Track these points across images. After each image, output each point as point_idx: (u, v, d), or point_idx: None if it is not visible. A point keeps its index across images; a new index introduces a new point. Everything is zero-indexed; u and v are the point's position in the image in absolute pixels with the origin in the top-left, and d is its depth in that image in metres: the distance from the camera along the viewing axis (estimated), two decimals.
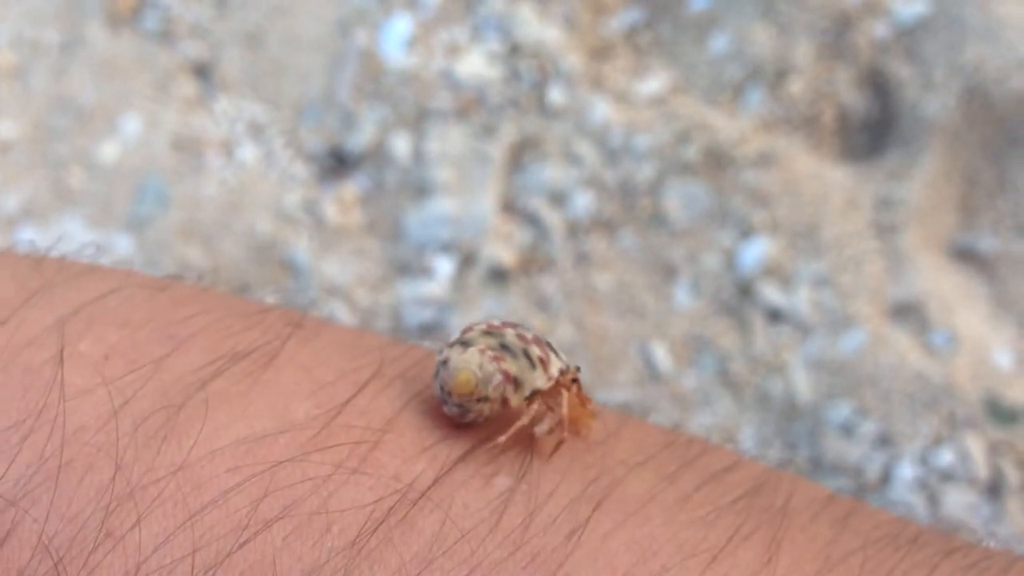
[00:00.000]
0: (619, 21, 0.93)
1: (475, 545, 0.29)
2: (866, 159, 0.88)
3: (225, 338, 0.32)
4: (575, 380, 0.33)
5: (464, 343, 0.32)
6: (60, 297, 0.32)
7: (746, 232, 0.85)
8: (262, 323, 0.33)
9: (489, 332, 0.33)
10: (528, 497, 0.30)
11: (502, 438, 0.31)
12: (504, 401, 0.32)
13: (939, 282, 0.84)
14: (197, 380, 0.30)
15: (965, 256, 0.85)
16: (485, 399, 0.32)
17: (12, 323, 0.31)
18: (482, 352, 0.32)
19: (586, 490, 0.31)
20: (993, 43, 0.86)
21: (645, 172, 0.87)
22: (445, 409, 0.32)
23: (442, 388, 0.32)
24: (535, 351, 0.33)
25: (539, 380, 0.32)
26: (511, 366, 0.32)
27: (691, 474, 0.33)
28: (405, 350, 0.35)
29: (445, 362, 0.32)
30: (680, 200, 0.86)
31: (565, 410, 0.32)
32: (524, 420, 0.32)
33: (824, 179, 0.86)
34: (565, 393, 0.33)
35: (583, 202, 0.86)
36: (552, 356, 0.33)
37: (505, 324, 0.33)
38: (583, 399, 0.33)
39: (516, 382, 0.32)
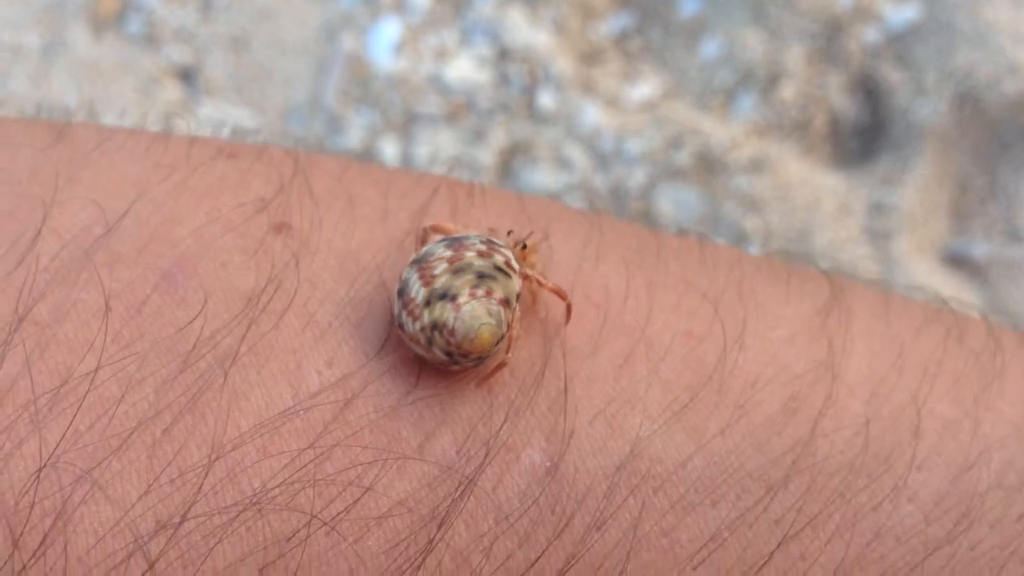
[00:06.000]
0: (609, 26, 0.93)
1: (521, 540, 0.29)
2: (858, 165, 0.88)
3: (226, 276, 0.30)
4: (524, 247, 0.32)
5: (445, 296, 0.30)
6: (52, 228, 0.31)
7: (739, 238, 0.84)
8: (259, 241, 0.31)
9: (457, 269, 0.31)
10: (563, 485, 0.29)
11: (482, 382, 0.31)
12: (508, 325, 0.31)
13: (932, 288, 0.83)
14: (207, 338, 0.29)
15: (958, 262, 0.85)
16: (500, 338, 0.30)
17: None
18: (476, 297, 0.30)
19: (618, 473, 0.30)
20: (984, 48, 0.86)
21: (637, 177, 0.86)
22: (454, 368, 0.30)
23: (451, 354, 0.30)
24: (499, 259, 0.31)
25: (516, 284, 0.31)
26: (498, 291, 0.31)
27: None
28: (414, 209, 0.33)
29: (441, 327, 0.30)
30: (672, 205, 0.85)
31: (550, 284, 0.32)
32: (500, 355, 0.31)
33: (816, 185, 0.86)
34: (531, 274, 0.32)
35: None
36: (505, 250, 0.32)
37: (453, 243, 0.31)
38: (528, 257, 0.32)
39: (507, 303, 0.31)
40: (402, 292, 0.30)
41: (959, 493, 0.32)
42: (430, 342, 0.30)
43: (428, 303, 0.30)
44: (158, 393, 0.28)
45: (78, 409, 0.27)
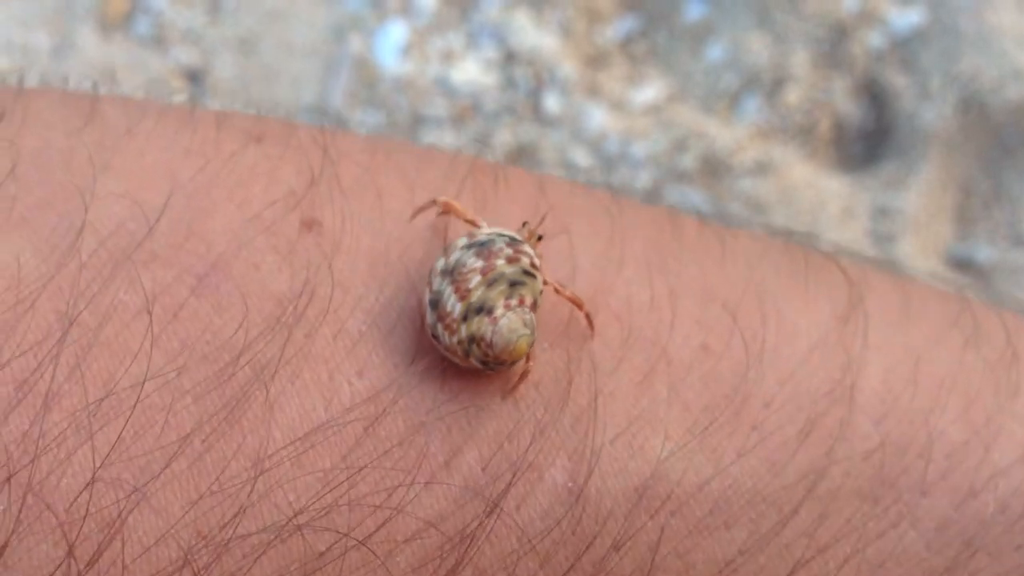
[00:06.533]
0: (614, 30, 0.93)
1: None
2: (862, 168, 0.88)
3: (260, 279, 0.30)
4: (540, 238, 0.32)
5: (482, 309, 0.30)
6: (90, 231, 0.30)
7: None
8: (291, 240, 0.31)
9: (491, 281, 0.31)
10: (585, 504, 0.29)
11: (508, 395, 0.31)
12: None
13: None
14: (245, 347, 0.29)
15: (962, 266, 0.85)
16: (533, 343, 0.31)
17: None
18: (510, 308, 0.31)
19: (642, 500, 0.30)
20: (988, 53, 0.87)
21: (642, 180, 0.86)
22: (487, 372, 0.31)
23: (487, 362, 0.30)
24: (526, 261, 0.32)
25: (539, 282, 0.32)
26: (528, 296, 0.31)
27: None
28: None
29: (479, 340, 0.30)
30: (677, 207, 0.86)
31: (568, 292, 0.32)
32: (522, 364, 0.31)
33: (820, 188, 0.86)
34: (550, 281, 0.32)
35: None
36: (526, 247, 0.32)
37: (482, 250, 0.31)
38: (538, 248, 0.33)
39: (535, 304, 0.31)
40: (436, 304, 0.31)
41: (963, 520, 0.31)
42: (467, 353, 0.30)
43: (465, 317, 0.30)
44: (198, 403, 0.28)
45: (128, 419, 0.27)
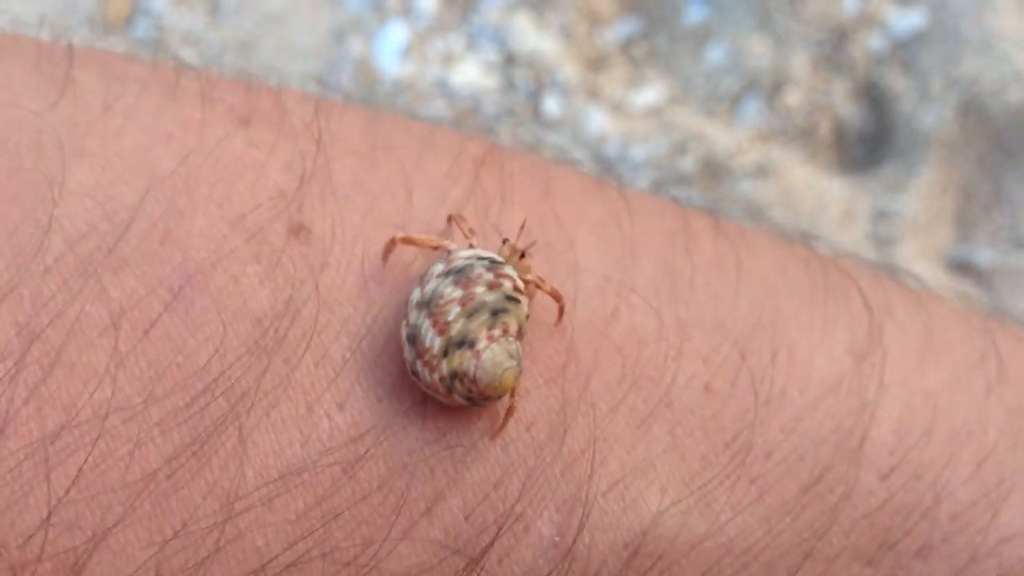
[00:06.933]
0: (615, 32, 0.93)
1: None
2: (863, 171, 0.88)
3: (240, 294, 0.27)
4: (522, 255, 0.30)
5: (463, 343, 0.28)
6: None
7: None
8: (276, 249, 0.28)
9: (472, 311, 0.28)
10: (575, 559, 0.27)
11: (496, 435, 0.29)
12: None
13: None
14: (220, 374, 0.26)
15: (962, 268, 0.85)
16: (520, 373, 0.29)
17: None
18: (494, 339, 0.28)
19: (632, 558, 0.28)
20: (989, 56, 0.87)
21: (642, 182, 0.86)
22: (473, 407, 0.29)
23: (472, 399, 0.28)
24: (508, 285, 0.29)
25: (525, 306, 0.29)
26: (512, 323, 0.29)
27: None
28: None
29: (462, 376, 0.28)
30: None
31: (548, 287, 0.30)
32: (508, 401, 0.29)
33: (821, 191, 0.86)
34: (531, 279, 0.30)
35: None
36: (508, 269, 0.30)
37: (460, 278, 0.29)
38: (526, 265, 0.30)
39: (520, 331, 0.29)
40: (414, 339, 0.28)
41: None
42: (450, 390, 0.28)
43: (446, 352, 0.28)
44: (167, 437, 0.25)
45: (90, 453, 0.25)
